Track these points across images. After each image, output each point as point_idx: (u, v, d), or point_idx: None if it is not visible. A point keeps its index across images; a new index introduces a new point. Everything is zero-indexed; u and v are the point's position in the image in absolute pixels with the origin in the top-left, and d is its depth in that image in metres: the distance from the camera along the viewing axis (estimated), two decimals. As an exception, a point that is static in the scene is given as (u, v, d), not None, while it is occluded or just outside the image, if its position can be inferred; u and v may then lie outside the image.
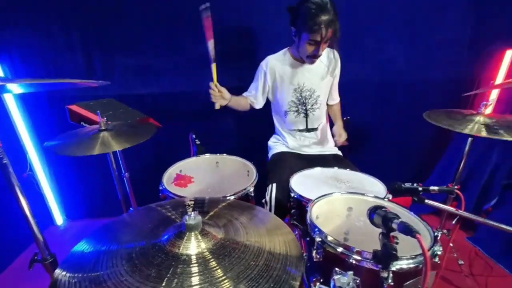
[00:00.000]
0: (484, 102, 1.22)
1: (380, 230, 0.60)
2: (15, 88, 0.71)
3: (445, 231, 1.56)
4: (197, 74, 1.81)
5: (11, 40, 1.64)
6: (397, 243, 0.58)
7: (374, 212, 0.61)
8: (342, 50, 1.52)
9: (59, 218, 2.06)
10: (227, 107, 1.44)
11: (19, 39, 1.64)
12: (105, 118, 1.13)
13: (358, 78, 1.82)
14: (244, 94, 1.55)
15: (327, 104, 1.61)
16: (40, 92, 1.73)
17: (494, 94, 2.02)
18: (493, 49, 1.93)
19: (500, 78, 2.00)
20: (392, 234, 0.58)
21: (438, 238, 1.49)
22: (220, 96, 1.34)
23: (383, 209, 0.60)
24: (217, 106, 1.33)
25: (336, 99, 1.64)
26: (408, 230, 0.52)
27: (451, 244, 1.54)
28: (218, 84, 1.31)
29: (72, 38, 1.65)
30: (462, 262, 1.56)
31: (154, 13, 1.65)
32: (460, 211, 0.94)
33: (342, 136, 1.48)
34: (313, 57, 1.34)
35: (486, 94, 1.99)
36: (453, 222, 1.43)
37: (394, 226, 0.55)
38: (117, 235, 0.73)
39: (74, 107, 1.31)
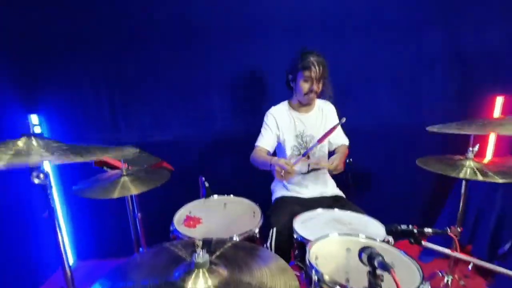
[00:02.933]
0: (471, 148, 1.29)
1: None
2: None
3: (456, 276, 1.51)
4: (206, 121, 2.02)
5: (48, 95, 1.91)
6: (382, 280, 0.63)
7: (362, 251, 0.68)
8: (336, 101, 1.70)
9: (70, 258, 2.11)
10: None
11: (54, 96, 1.91)
12: (127, 164, 1.27)
13: (353, 126, 1.91)
14: (260, 144, 1.61)
15: (334, 149, 1.72)
16: (69, 139, 1.94)
17: (492, 138, 2.11)
18: (483, 96, 2.07)
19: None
20: (378, 272, 0.64)
21: (449, 282, 1.45)
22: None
23: (369, 248, 0.67)
24: (286, 179, 1.53)
25: (342, 142, 1.73)
26: (384, 266, 0.59)
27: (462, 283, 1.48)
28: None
29: (99, 96, 1.94)
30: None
31: (168, 71, 1.92)
32: (455, 252, 0.97)
33: (334, 162, 1.50)
34: (309, 93, 1.52)
35: (481, 139, 2.07)
36: (469, 267, 1.40)
37: (376, 263, 0.62)
38: (131, 274, 0.80)
39: (104, 158, 1.46)
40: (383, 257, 0.62)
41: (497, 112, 2.12)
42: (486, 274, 1.85)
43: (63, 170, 2.00)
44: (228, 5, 1.84)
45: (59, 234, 0.85)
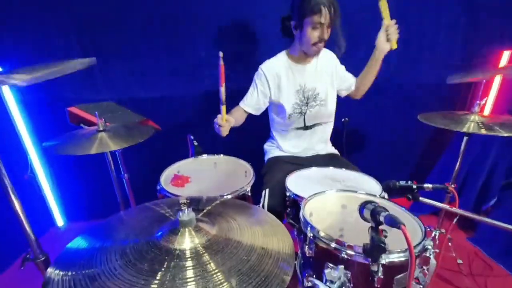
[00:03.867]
0: (478, 101, 1.23)
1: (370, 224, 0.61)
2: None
3: (443, 230, 1.56)
4: (195, 77, 1.84)
5: (10, 43, 1.67)
6: (385, 236, 0.59)
7: (363, 207, 0.62)
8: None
9: (59, 219, 2.08)
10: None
11: (18, 46, 1.67)
12: (103, 120, 1.15)
13: None
14: (241, 104, 1.48)
15: (355, 92, 1.57)
16: (40, 94, 1.76)
17: (492, 96, 2.04)
18: (488, 51, 1.94)
19: (497, 79, 2.01)
20: (381, 227, 0.59)
21: (436, 237, 1.49)
22: (228, 127, 1.30)
23: (372, 203, 0.61)
24: (225, 134, 1.30)
25: (353, 78, 1.55)
26: (393, 221, 0.53)
27: (449, 243, 1.54)
28: (227, 118, 1.28)
29: (70, 42, 1.68)
30: (461, 262, 1.56)
31: (153, 18, 1.68)
32: (454, 208, 0.95)
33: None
34: (319, 43, 1.30)
35: (480, 95, 2.00)
36: (454, 222, 1.44)
37: (381, 218, 0.56)
38: (112, 232, 0.74)
39: (73, 109, 1.33)
40: (389, 212, 0.56)
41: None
42: (467, 228, 1.91)
43: (40, 132, 1.85)
44: None
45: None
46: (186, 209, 0.68)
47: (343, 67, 1.55)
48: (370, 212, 0.59)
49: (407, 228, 0.52)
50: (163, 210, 0.80)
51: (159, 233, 0.68)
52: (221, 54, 1.13)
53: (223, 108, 1.25)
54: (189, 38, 1.74)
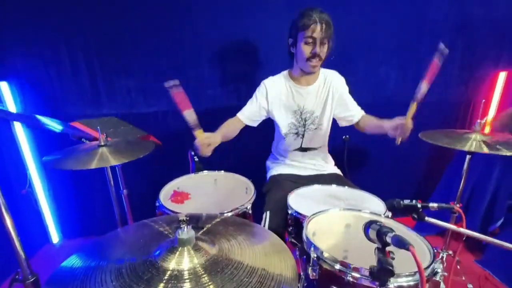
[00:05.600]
0: (479, 120, 1.23)
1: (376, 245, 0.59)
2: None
3: (450, 252, 1.51)
4: (198, 94, 1.86)
5: (19, 62, 1.71)
6: (393, 258, 0.56)
7: (369, 226, 0.60)
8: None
9: (55, 236, 2.03)
10: None
11: (27, 62, 1.71)
12: (105, 135, 1.15)
13: None
14: (238, 114, 1.47)
15: (356, 124, 1.52)
16: (44, 109, 1.77)
17: (491, 114, 2.05)
18: (485, 72, 1.98)
19: (495, 99, 2.04)
20: (388, 249, 0.56)
21: (444, 259, 1.44)
22: (210, 148, 1.22)
23: (377, 223, 0.58)
24: (208, 155, 1.22)
25: (359, 112, 1.49)
26: (401, 243, 0.51)
27: (457, 266, 1.49)
28: (205, 138, 1.20)
29: (76, 59, 1.73)
30: (471, 286, 1.50)
31: (157, 37, 1.73)
32: (462, 229, 0.91)
33: (406, 121, 1.17)
34: (312, 58, 1.30)
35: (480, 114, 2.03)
36: (462, 243, 1.39)
37: (388, 239, 0.54)
38: (108, 250, 0.71)
39: (76, 124, 1.33)
40: (395, 233, 0.54)
41: (498, 89, 2.05)
42: (474, 250, 1.86)
43: (41, 146, 1.85)
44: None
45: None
46: (186, 227, 0.66)
47: (350, 96, 1.50)
48: (376, 232, 0.56)
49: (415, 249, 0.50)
50: (162, 227, 0.78)
51: (157, 252, 0.65)
52: (176, 82, 1.09)
53: (197, 132, 1.18)
54: (192, 56, 1.78)
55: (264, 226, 1.20)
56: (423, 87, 1.12)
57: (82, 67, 1.74)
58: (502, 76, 2.01)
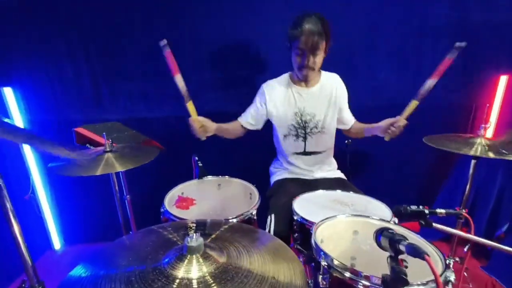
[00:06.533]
0: (483, 125, 1.23)
1: (387, 253, 0.58)
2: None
3: (457, 259, 1.49)
4: (200, 98, 1.85)
5: (23, 67, 1.72)
6: (406, 266, 0.55)
7: (380, 234, 0.59)
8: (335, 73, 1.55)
9: (56, 242, 2.01)
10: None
11: (30, 68, 1.72)
12: (110, 140, 1.15)
13: (352, 105, 1.83)
14: (239, 118, 1.50)
15: (346, 131, 1.58)
16: (48, 115, 1.78)
17: (494, 117, 2.05)
18: (486, 76, 1.99)
19: (496, 103, 2.04)
20: (400, 257, 0.56)
21: (451, 265, 1.42)
22: (203, 130, 1.27)
23: (390, 231, 0.58)
24: (202, 138, 1.26)
25: (351, 120, 1.55)
26: (416, 251, 0.50)
27: (465, 273, 1.47)
28: (198, 118, 1.23)
29: (79, 65, 1.74)
30: (478, 293, 1.48)
31: (156, 43, 1.75)
32: (470, 235, 0.91)
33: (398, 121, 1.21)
34: (304, 68, 1.32)
35: (483, 118, 2.03)
36: (465, 249, 1.37)
37: (402, 248, 0.53)
38: (116, 258, 0.70)
39: (80, 130, 1.33)
40: (409, 241, 0.53)
41: (500, 93, 2.06)
42: (480, 256, 1.84)
43: (45, 152, 1.85)
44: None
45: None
46: (194, 234, 0.65)
47: (347, 104, 1.54)
48: (389, 240, 0.56)
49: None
50: (170, 234, 0.77)
51: (166, 260, 0.64)
52: (164, 41, 1.09)
53: (189, 105, 1.17)
54: (193, 60, 1.78)
55: (268, 230, 1.20)
56: (430, 83, 1.13)
57: (85, 73, 1.75)
58: (503, 80, 2.02)
